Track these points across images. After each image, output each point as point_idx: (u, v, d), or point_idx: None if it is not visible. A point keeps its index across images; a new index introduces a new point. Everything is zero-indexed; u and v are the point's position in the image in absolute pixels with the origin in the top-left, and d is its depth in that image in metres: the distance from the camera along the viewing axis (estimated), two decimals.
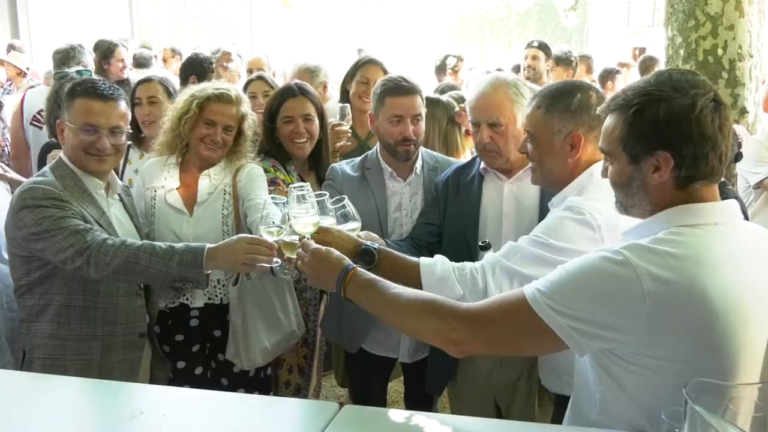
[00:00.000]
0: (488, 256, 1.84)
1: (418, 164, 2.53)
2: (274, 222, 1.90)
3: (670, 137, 1.33)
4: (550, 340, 1.31)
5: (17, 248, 2.09)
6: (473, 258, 2.09)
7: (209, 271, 1.97)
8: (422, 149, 2.59)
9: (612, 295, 1.27)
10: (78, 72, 3.04)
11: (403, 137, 2.40)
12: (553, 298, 1.31)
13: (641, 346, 1.28)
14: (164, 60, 6.91)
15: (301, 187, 1.82)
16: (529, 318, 1.32)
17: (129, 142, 2.90)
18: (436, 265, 1.81)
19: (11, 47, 5.98)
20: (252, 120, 2.54)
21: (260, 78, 3.50)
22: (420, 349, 2.52)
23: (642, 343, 1.28)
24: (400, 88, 2.41)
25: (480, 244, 2.07)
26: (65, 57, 4.08)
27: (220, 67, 3.64)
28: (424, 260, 1.83)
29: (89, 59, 4.33)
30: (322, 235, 1.83)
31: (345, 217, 1.96)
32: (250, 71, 4.38)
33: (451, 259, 2.13)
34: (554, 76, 5.20)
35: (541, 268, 1.73)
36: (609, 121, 1.42)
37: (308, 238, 1.78)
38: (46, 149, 3.07)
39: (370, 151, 2.59)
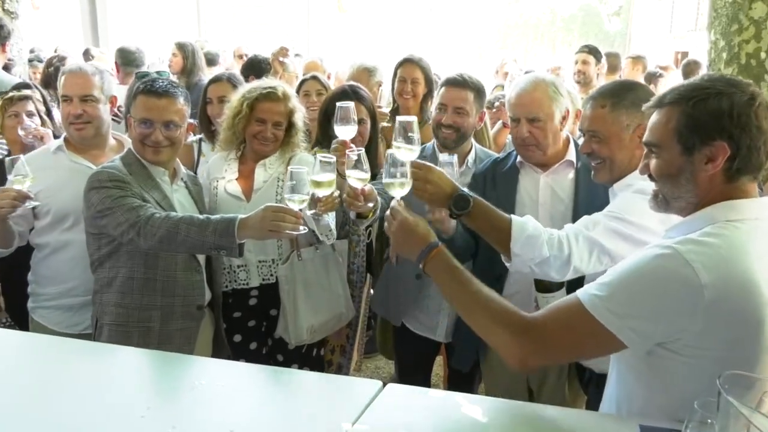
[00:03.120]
0: (569, 227, 1.82)
1: (471, 157, 2.54)
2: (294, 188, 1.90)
3: (730, 127, 1.30)
4: (611, 343, 1.28)
5: (89, 227, 2.18)
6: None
7: (243, 241, 2.01)
8: (477, 146, 2.60)
9: (668, 291, 1.24)
10: (158, 73, 3.14)
11: (439, 123, 2.44)
12: (611, 301, 1.27)
13: (696, 338, 1.25)
14: (239, 57, 6.84)
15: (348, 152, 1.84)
16: (589, 324, 1.28)
17: (200, 136, 3.01)
18: (527, 223, 1.80)
19: (88, 54, 6.13)
20: (302, 113, 2.56)
21: (314, 78, 3.48)
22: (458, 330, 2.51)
23: (698, 335, 1.25)
24: (451, 80, 2.46)
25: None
26: (130, 57, 4.43)
27: (276, 61, 3.66)
28: (515, 217, 1.82)
29: (147, 59, 4.57)
30: (424, 172, 1.79)
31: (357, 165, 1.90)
32: (306, 74, 4.41)
33: (485, 249, 2.11)
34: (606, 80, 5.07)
35: (620, 242, 1.76)
36: (659, 115, 1.39)
37: (399, 202, 1.67)
38: None
39: (427, 144, 2.57)
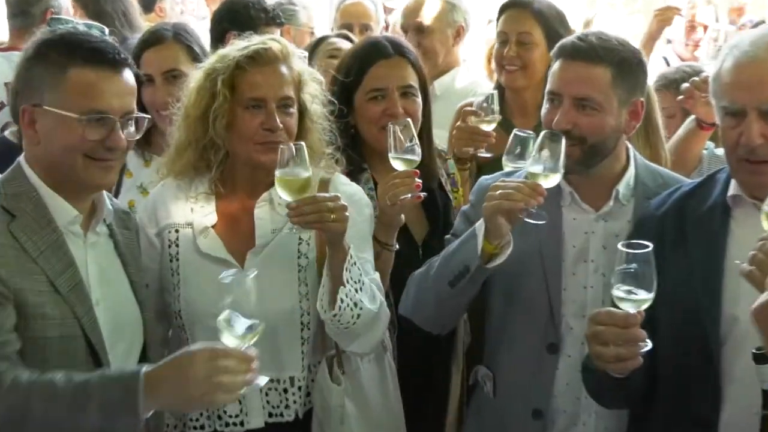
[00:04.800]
0: None
1: (625, 182, 1.79)
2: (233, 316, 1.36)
3: None
4: None
5: None
6: (711, 360, 1.54)
7: (148, 415, 1.41)
8: (637, 157, 1.86)
9: None
10: (87, 26, 2.15)
11: (549, 128, 1.76)
12: None
13: None
14: None
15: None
16: None
17: None
18: None
19: None
20: (317, 85, 1.84)
21: (340, 37, 2.55)
22: None
23: None
24: (567, 49, 1.75)
25: (754, 351, 1.39)
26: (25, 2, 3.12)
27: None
28: None
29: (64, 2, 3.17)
30: None
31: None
32: (346, 27, 3.00)
33: (672, 363, 1.60)
34: None
35: None
36: None
37: None
38: None
39: None
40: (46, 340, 1.42)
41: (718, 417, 1.54)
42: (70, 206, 1.54)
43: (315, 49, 2.50)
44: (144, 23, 3.32)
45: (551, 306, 1.76)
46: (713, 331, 1.55)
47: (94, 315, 1.48)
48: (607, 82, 1.72)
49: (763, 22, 4.28)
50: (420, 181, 1.83)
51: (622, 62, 1.74)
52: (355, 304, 1.66)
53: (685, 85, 2.24)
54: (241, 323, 1.38)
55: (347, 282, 1.64)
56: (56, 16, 2.51)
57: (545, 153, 1.63)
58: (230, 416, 1.74)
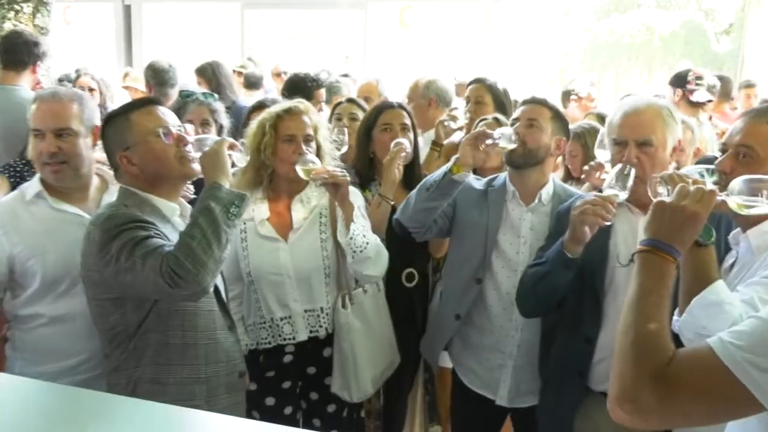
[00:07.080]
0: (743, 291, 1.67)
1: (546, 191, 2.60)
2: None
3: None
4: (744, 405, 1.17)
5: (108, 290, 1.95)
6: (598, 300, 2.20)
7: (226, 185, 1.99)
8: (556, 180, 2.68)
9: None
10: (204, 95, 3.21)
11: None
12: (752, 351, 1.17)
13: None
14: (276, 75, 7.30)
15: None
16: (721, 378, 1.17)
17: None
18: (724, 291, 1.65)
19: (127, 75, 6.45)
20: (327, 131, 2.67)
21: (350, 101, 3.66)
22: (525, 393, 2.58)
23: None
24: (529, 99, 2.65)
25: (631, 260, 2.07)
26: (164, 76, 4.71)
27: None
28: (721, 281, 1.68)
29: (179, 78, 4.80)
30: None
31: None
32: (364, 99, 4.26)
33: (572, 309, 2.29)
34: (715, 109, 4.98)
35: None
36: None
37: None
38: None
39: (500, 175, 2.72)
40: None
41: (598, 337, 2.21)
42: (171, 203, 2.08)
43: (334, 109, 3.65)
44: (241, 90, 5.32)
45: (485, 256, 2.57)
46: (600, 282, 2.22)
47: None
48: (548, 117, 2.57)
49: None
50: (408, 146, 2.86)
51: (558, 113, 2.63)
52: (364, 236, 2.42)
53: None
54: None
55: (356, 222, 2.42)
56: (186, 89, 3.42)
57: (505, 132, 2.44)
58: (287, 334, 2.53)
